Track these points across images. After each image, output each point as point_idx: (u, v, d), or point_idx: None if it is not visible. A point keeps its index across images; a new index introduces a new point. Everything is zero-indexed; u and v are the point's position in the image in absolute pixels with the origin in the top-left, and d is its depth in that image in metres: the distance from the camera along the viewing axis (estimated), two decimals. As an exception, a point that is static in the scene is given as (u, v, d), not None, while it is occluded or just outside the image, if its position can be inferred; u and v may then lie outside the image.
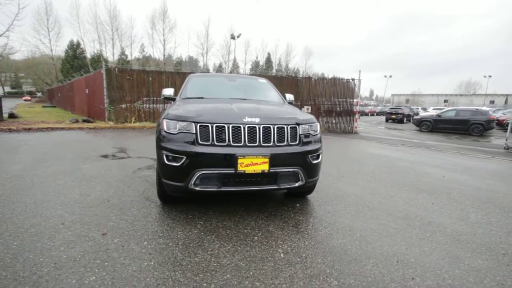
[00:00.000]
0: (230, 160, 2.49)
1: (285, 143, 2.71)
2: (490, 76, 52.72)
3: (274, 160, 2.57)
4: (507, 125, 17.11)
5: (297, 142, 2.77)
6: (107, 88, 12.33)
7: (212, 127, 2.55)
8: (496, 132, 16.23)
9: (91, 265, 1.95)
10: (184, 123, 2.60)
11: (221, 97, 3.78)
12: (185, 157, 2.49)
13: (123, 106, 12.84)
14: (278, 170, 2.62)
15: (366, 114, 35.44)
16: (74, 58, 41.29)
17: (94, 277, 1.81)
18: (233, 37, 29.29)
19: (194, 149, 2.50)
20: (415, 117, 19.13)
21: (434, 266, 2.12)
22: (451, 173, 5.34)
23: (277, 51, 61.39)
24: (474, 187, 4.36)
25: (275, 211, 3.10)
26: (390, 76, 58.32)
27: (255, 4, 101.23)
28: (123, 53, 45.72)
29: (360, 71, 13.35)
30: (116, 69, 12.70)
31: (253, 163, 2.51)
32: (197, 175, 2.50)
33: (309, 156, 2.79)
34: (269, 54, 59.50)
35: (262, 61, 58.32)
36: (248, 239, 2.42)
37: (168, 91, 4.02)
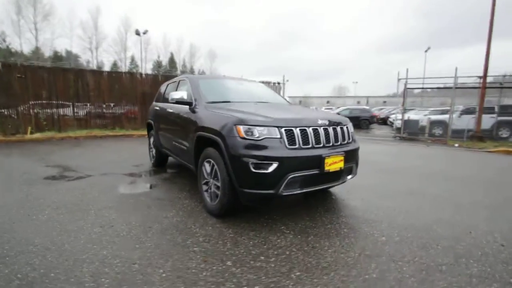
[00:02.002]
0: (317, 161, 2.59)
1: (345, 141, 3.00)
2: (356, 82, 67.97)
3: (346, 158, 2.83)
4: (381, 120, 22.73)
5: (351, 140, 3.12)
6: (-16, 90, 9.13)
7: (296, 130, 2.58)
8: (375, 125, 21.19)
9: (246, 294, 1.70)
10: (265, 128, 2.52)
11: (246, 101, 3.69)
12: (277, 162, 2.42)
13: (12, 113, 9.79)
14: (347, 166, 2.90)
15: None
16: None
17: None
18: (138, 33, 26.55)
19: (286, 154, 2.46)
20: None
21: (495, 228, 2.70)
22: (390, 157, 6.87)
23: (180, 51, 58.99)
24: (419, 166, 5.80)
25: (325, 204, 3.33)
26: (287, 81, 65.83)
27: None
28: (-32, 42, 33.69)
29: (284, 75, 14.85)
30: (0, 64, 9.52)
31: (335, 161, 2.69)
32: (287, 180, 2.48)
33: (358, 151, 3.19)
34: (172, 54, 56.75)
35: (165, 61, 55.02)
36: (345, 236, 2.58)
37: (179, 94, 3.59)
